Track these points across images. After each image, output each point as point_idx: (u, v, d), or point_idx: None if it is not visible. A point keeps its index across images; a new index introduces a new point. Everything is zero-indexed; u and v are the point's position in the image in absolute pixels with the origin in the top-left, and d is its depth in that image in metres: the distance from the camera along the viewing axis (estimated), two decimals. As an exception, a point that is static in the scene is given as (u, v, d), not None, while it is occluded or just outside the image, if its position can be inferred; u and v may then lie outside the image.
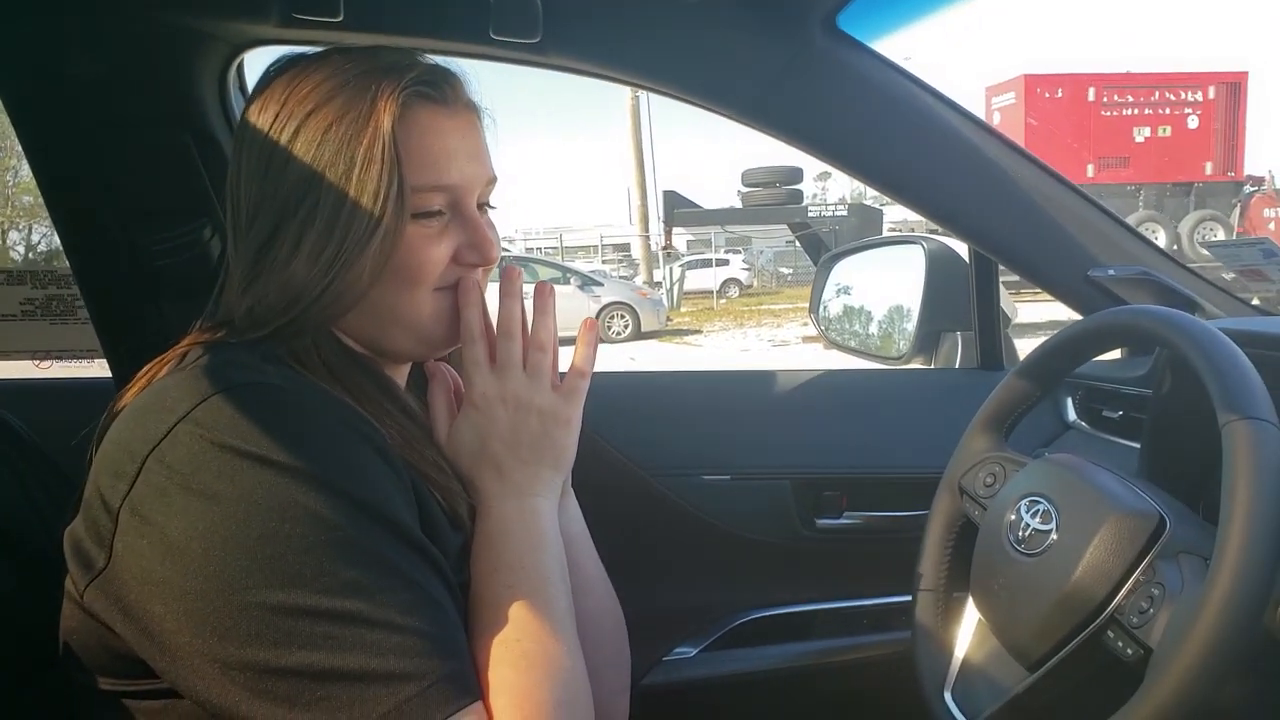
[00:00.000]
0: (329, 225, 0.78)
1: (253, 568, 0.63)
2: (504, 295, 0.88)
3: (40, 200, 1.32)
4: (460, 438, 0.85)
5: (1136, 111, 18.05)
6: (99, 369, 1.41)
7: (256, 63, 1.33)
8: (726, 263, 25.46)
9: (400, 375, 0.92)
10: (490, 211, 0.90)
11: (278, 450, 0.66)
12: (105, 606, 0.68)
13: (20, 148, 1.28)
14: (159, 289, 1.31)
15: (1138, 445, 1.17)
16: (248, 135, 0.82)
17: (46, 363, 1.49)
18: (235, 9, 1.22)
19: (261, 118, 0.81)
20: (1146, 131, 18.03)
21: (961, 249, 1.68)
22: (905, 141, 1.29)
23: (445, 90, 0.84)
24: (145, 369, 0.79)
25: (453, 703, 0.64)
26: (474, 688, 0.67)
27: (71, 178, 1.29)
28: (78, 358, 1.49)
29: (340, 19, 1.17)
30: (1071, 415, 1.45)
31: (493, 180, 0.89)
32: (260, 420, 0.68)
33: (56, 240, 1.33)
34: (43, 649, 0.81)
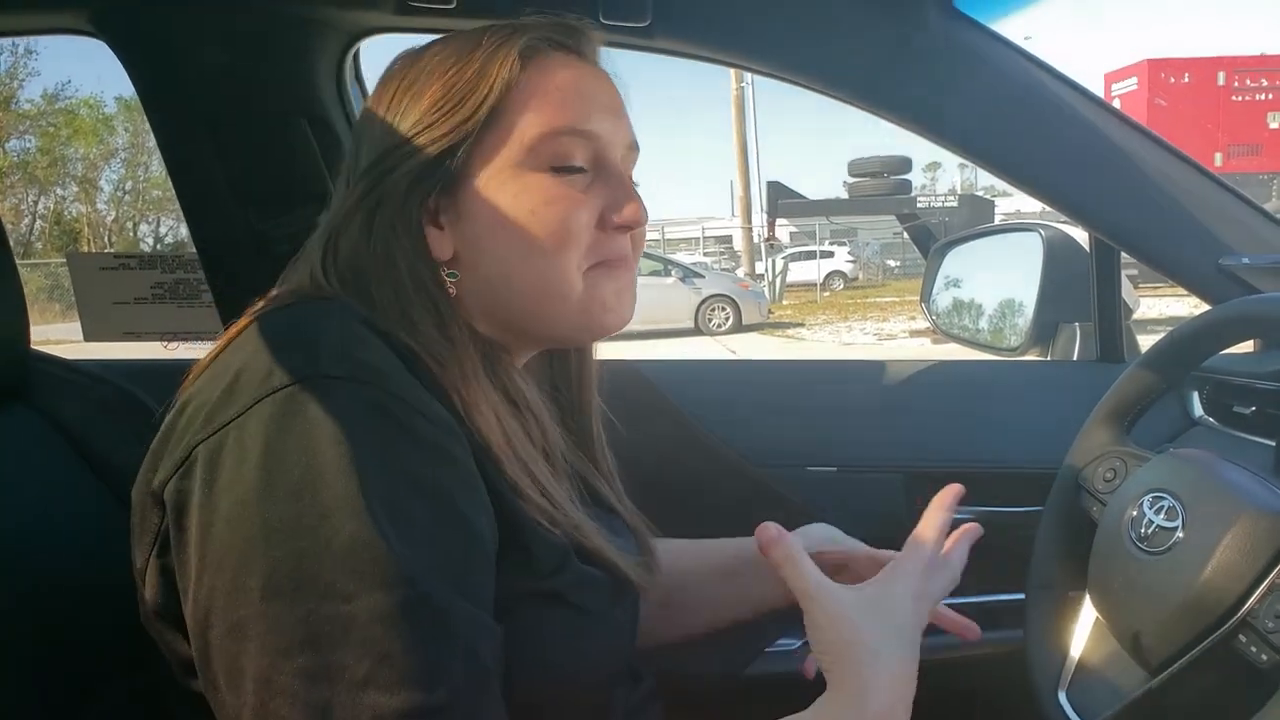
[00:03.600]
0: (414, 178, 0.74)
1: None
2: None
3: (167, 194, 1.38)
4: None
5: (1271, 96, 17.15)
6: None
7: (372, 51, 1.37)
8: (831, 255, 25.12)
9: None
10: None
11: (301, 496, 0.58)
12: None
13: (150, 144, 1.35)
14: (278, 273, 1.35)
15: (1273, 443, 1.10)
16: (366, 127, 0.79)
17: (174, 344, 1.55)
18: None
19: (379, 106, 0.78)
20: (1281, 117, 17.10)
21: (1081, 237, 1.62)
22: (1024, 124, 1.24)
23: (579, 40, 0.80)
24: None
25: None
26: None
27: (198, 164, 1.35)
28: (202, 339, 1.54)
29: (453, 6, 1.19)
30: (1198, 410, 1.38)
31: (634, 147, 0.82)
32: (304, 448, 0.59)
33: (182, 231, 1.40)
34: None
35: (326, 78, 1.32)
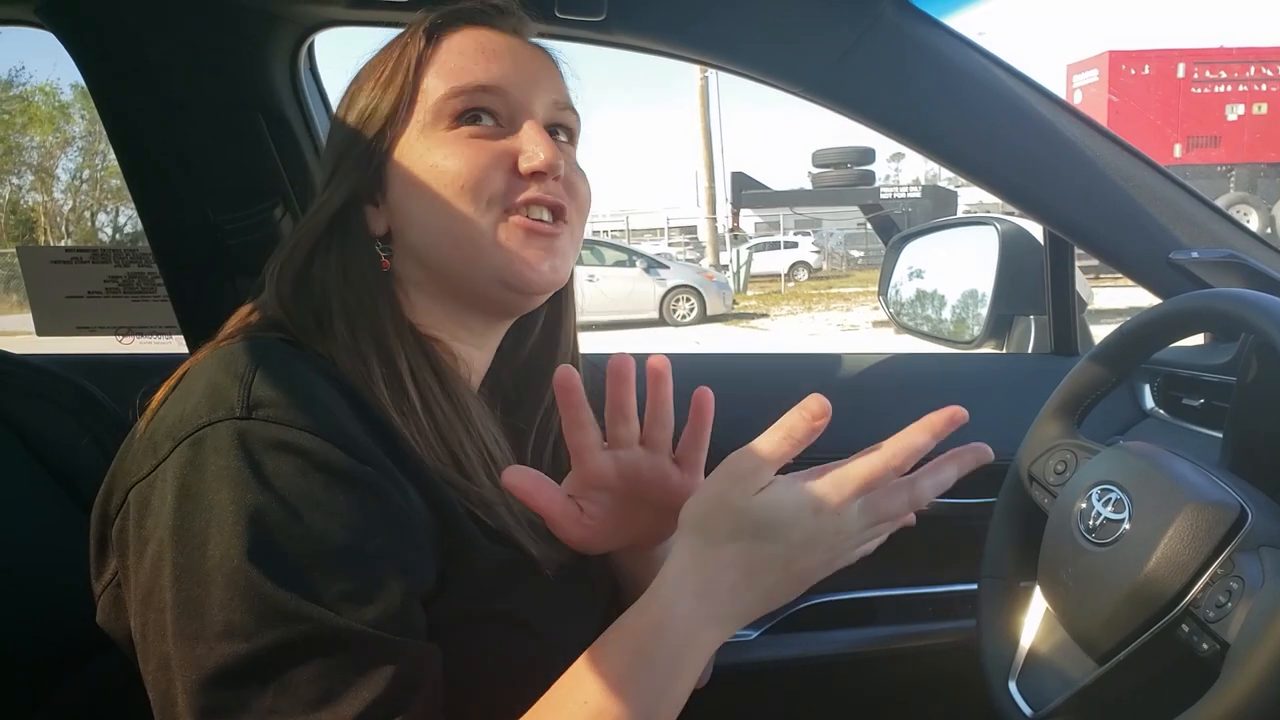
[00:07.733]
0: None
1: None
2: None
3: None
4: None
5: (1230, 88, 17.39)
6: (177, 345, 1.45)
7: (327, 44, 1.35)
8: (795, 245, 25.24)
9: (481, 350, 0.87)
10: (564, 144, 0.84)
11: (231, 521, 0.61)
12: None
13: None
14: (233, 266, 1.34)
15: (1219, 435, 1.12)
16: (330, 134, 0.88)
17: (129, 338, 1.54)
18: None
19: (338, 111, 0.85)
20: (1240, 109, 17.36)
21: (1036, 230, 1.64)
22: (978, 120, 1.25)
23: (490, 14, 0.84)
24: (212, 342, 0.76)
25: None
26: None
27: (150, 158, 1.33)
28: (157, 333, 1.53)
29: (404, -1, 1.18)
30: (1149, 403, 1.40)
31: (565, 107, 0.84)
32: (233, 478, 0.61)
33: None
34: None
35: (280, 72, 1.30)
